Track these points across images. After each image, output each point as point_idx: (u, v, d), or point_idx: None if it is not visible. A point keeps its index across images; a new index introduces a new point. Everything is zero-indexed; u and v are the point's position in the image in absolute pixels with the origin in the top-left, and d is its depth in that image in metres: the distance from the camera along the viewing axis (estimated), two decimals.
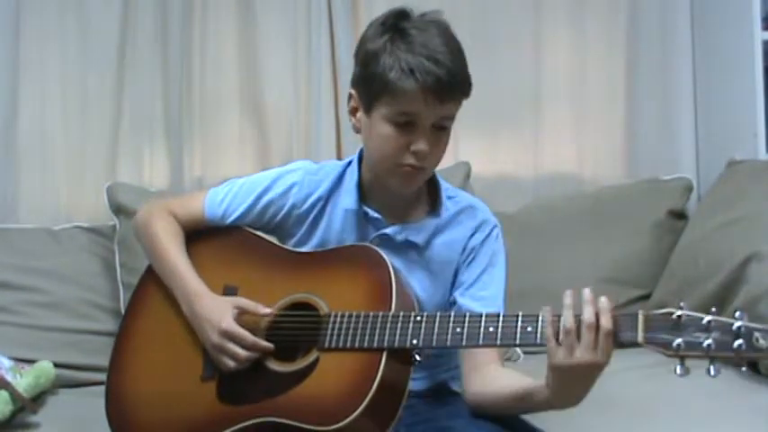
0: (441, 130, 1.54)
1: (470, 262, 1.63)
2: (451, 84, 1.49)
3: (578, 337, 1.29)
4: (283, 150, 2.66)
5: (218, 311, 1.56)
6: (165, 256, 1.68)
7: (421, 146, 1.51)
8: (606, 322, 1.28)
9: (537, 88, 2.79)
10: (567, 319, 1.31)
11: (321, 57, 2.63)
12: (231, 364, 1.53)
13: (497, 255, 1.65)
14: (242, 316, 1.56)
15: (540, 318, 1.36)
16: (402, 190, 1.59)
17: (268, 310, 1.56)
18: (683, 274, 2.38)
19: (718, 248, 2.29)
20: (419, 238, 1.62)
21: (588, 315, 1.29)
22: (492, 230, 1.66)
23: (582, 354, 1.29)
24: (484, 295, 1.60)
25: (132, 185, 2.50)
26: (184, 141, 2.61)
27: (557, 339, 1.32)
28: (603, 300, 1.30)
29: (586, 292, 1.31)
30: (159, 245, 1.69)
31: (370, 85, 1.53)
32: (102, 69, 2.56)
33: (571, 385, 1.35)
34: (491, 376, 1.54)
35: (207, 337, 1.56)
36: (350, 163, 1.68)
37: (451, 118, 1.55)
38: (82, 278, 2.34)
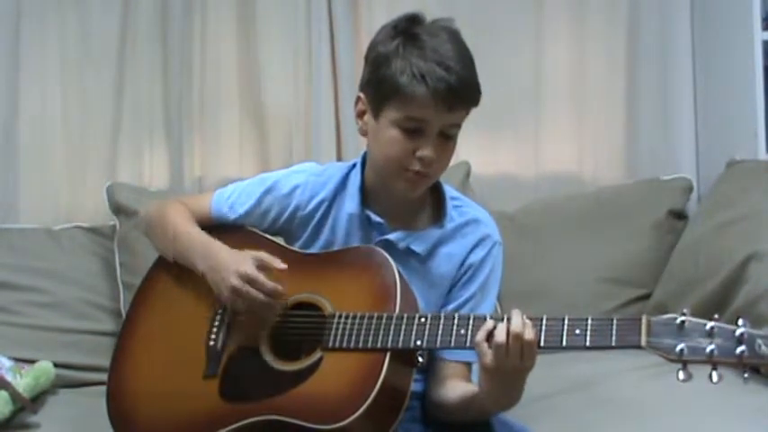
0: (447, 139, 1.55)
1: (467, 280, 1.63)
2: (462, 91, 1.50)
3: (507, 345, 1.35)
4: (283, 150, 2.66)
5: (236, 259, 1.57)
6: (182, 230, 1.69)
7: (427, 152, 1.51)
8: (529, 335, 1.34)
9: (537, 88, 2.79)
10: (501, 334, 1.35)
11: (321, 57, 2.62)
12: (246, 306, 1.54)
13: (494, 272, 1.65)
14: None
15: (545, 320, 1.37)
16: (406, 194, 1.59)
17: (284, 266, 1.55)
18: (682, 274, 2.38)
19: (719, 248, 2.29)
20: (421, 248, 1.61)
21: (515, 326, 1.35)
22: (492, 248, 1.65)
23: (509, 360, 1.35)
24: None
25: (132, 185, 2.50)
26: (184, 141, 2.60)
27: (488, 343, 1.37)
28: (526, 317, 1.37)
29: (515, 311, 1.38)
30: (176, 225, 1.70)
31: (380, 88, 1.53)
32: (102, 69, 2.56)
33: (501, 385, 1.41)
34: (449, 389, 1.57)
35: (225, 280, 1.55)
36: (354, 165, 1.68)
37: (458, 126, 1.56)
38: (82, 278, 2.34)
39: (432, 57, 1.48)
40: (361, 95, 1.60)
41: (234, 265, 1.55)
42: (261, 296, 1.53)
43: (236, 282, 1.54)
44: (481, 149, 2.74)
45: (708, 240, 2.36)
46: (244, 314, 1.58)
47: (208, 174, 2.63)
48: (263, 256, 1.57)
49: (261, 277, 1.53)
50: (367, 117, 1.59)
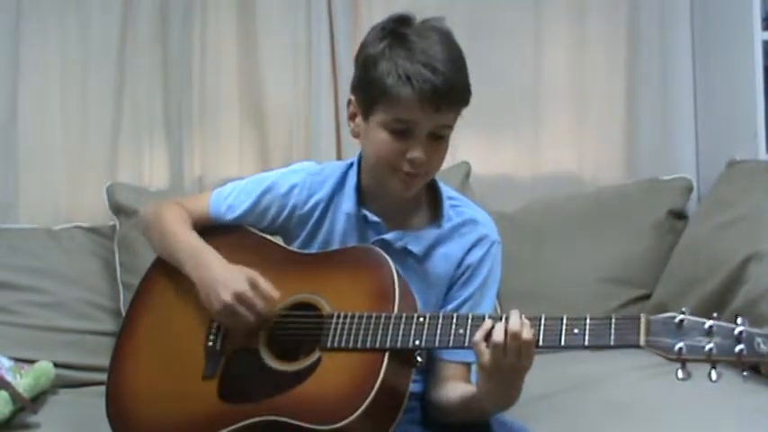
0: (438, 139, 1.53)
1: (466, 280, 1.63)
2: (448, 92, 1.48)
3: (505, 345, 1.35)
4: (283, 150, 2.66)
5: (229, 276, 1.56)
6: (178, 236, 1.68)
7: (416, 154, 1.51)
8: (527, 334, 1.34)
9: (537, 88, 2.79)
10: (499, 333, 1.35)
11: (321, 57, 2.63)
12: (237, 325, 1.54)
13: (493, 272, 1.64)
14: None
15: (543, 319, 1.37)
16: (400, 194, 1.58)
17: (277, 294, 1.54)
18: (682, 274, 2.38)
19: (719, 248, 2.29)
20: (418, 248, 1.61)
21: (513, 325, 1.35)
22: (491, 247, 1.64)
23: (507, 359, 1.35)
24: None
25: (132, 185, 2.50)
26: (184, 141, 2.60)
27: (486, 342, 1.37)
28: (524, 317, 1.37)
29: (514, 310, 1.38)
30: (171, 229, 1.69)
31: (368, 90, 1.53)
32: (102, 69, 2.56)
33: (499, 385, 1.41)
34: (449, 390, 1.56)
35: (219, 296, 1.54)
36: (351, 165, 1.68)
37: (449, 126, 1.54)
38: (82, 278, 2.34)
39: (419, 58, 1.47)
40: (352, 98, 1.59)
41: (228, 281, 1.55)
42: (251, 317, 1.53)
43: (229, 299, 1.53)
44: (481, 150, 2.74)
45: (708, 240, 2.36)
46: (231, 326, 1.58)
47: (208, 174, 2.63)
48: (259, 279, 1.55)
49: (254, 298, 1.53)
50: (358, 119, 1.58)
